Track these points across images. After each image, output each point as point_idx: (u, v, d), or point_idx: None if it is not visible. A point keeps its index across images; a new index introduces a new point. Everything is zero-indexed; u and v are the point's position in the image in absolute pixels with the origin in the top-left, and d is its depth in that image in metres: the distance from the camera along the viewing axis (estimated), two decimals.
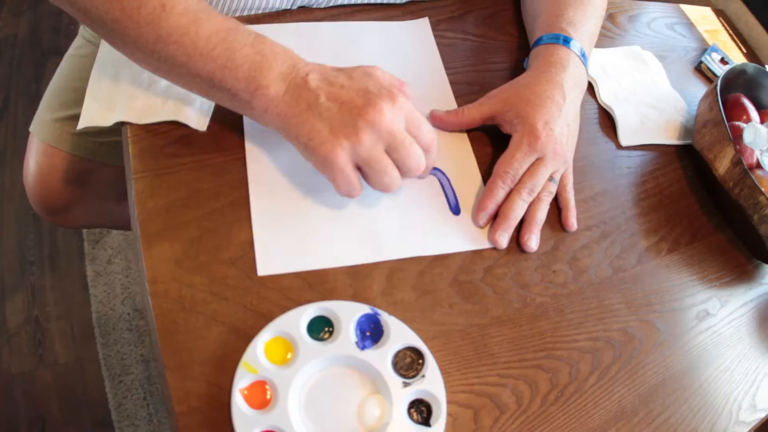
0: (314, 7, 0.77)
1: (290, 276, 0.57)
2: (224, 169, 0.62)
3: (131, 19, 0.54)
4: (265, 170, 0.62)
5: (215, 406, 0.49)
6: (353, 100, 0.54)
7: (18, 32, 2.00)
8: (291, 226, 0.60)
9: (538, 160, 0.65)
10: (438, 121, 0.71)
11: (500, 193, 0.64)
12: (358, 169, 0.56)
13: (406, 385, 0.52)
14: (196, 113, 0.64)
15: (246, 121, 0.65)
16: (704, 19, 1.08)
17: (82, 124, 0.62)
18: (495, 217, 0.65)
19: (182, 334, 0.52)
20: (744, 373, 0.67)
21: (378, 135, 0.54)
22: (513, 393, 0.57)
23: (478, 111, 0.69)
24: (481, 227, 0.65)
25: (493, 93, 0.70)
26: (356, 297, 0.57)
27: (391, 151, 0.55)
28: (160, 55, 0.55)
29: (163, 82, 0.65)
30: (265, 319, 0.54)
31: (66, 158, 0.91)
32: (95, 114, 0.63)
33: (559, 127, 0.65)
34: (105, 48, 0.68)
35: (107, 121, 0.62)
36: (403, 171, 0.57)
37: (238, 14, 0.74)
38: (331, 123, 0.53)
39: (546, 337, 0.60)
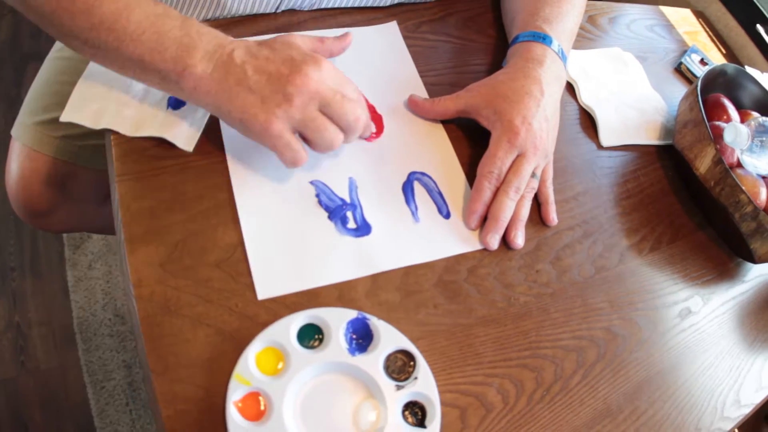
0: (298, 9, 0.77)
1: None
2: (208, 171, 0.62)
3: (67, 10, 0.55)
4: (248, 183, 0.62)
5: (202, 409, 0.49)
6: (279, 69, 0.56)
7: None
8: (283, 250, 0.59)
9: (520, 157, 0.66)
10: (414, 105, 0.72)
11: (487, 194, 0.65)
12: (301, 136, 0.58)
13: (399, 388, 0.53)
14: (185, 132, 0.63)
15: (223, 126, 0.65)
16: (684, 20, 1.09)
17: (65, 118, 0.61)
18: (485, 218, 0.65)
19: (167, 338, 0.52)
20: (728, 369, 0.68)
21: (309, 97, 0.56)
22: (499, 392, 0.57)
23: (453, 102, 0.70)
24: (473, 230, 0.65)
25: (471, 87, 0.71)
26: (341, 299, 0.57)
27: (324, 109, 0.57)
28: (94, 42, 0.57)
29: (156, 95, 0.64)
30: (251, 321, 0.54)
31: (48, 162, 0.91)
32: (82, 113, 0.62)
33: (537, 121, 0.66)
34: None
35: (95, 124, 0.61)
36: (343, 127, 0.59)
37: (223, 17, 0.74)
38: (262, 94, 0.55)
39: (530, 337, 0.61)
